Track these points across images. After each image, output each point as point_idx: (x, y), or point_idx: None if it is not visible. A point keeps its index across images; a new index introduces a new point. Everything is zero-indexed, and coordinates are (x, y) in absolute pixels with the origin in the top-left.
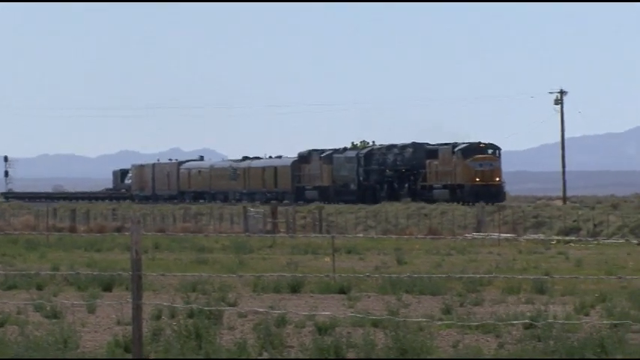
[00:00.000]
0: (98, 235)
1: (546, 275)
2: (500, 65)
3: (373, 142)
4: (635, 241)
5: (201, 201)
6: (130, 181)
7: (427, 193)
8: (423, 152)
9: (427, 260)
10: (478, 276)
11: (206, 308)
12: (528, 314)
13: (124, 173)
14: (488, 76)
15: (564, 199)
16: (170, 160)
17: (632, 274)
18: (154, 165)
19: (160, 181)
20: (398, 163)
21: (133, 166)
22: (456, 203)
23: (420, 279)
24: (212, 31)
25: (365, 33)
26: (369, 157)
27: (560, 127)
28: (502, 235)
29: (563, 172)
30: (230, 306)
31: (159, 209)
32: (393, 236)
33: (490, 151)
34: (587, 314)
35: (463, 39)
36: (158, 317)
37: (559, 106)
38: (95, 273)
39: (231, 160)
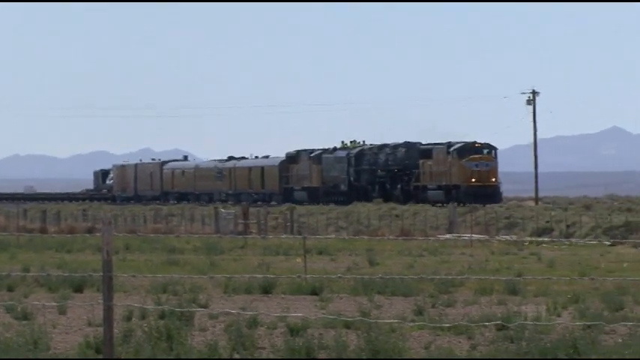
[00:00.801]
0: (69, 236)
1: (519, 276)
2: (474, 66)
3: (364, 141)
4: (608, 242)
5: (184, 202)
6: (111, 181)
7: (421, 194)
8: (416, 152)
9: (399, 261)
10: (450, 277)
11: (177, 309)
12: (501, 315)
13: (104, 174)
14: (463, 77)
15: (537, 199)
16: (153, 159)
17: (604, 275)
18: (136, 165)
19: (143, 181)
20: (390, 163)
21: (114, 166)
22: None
23: (392, 280)
24: (185, 33)
25: (327, 35)
26: (360, 157)
27: (532, 128)
28: (474, 236)
29: (536, 173)
30: (201, 307)
31: (130, 210)
32: (365, 237)
33: (486, 151)
34: (559, 315)
35: (439, 41)
36: (129, 318)
37: (531, 106)
38: (66, 274)
39: (216, 160)
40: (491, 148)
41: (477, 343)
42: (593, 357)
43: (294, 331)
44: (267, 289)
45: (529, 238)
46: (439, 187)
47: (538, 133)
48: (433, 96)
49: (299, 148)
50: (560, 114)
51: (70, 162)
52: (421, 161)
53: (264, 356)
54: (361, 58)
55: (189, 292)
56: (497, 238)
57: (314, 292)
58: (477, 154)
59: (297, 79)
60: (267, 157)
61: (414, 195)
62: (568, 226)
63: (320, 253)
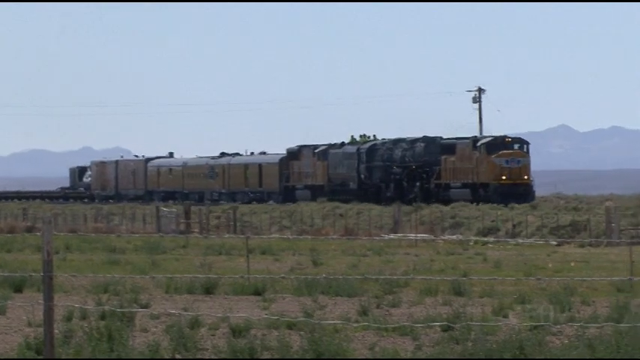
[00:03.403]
0: (9, 235)
1: (464, 276)
2: (420, 62)
3: (374, 135)
4: (555, 242)
5: (170, 201)
6: (89, 179)
7: (443, 193)
8: (436, 147)
9: (343, 261)
10: (395, 277)
11: (118, 310)
12: (446, 316)
13: (82, 171)
14: (409, 74)
15: None
16: (136, 156)
17: (551, 275)
18: (117, 162)
19: (125, 179)
20: (407, 159)
21: (93, 162)
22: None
23: (335, 280)
24: (128, 30)
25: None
26: (372, 152)
27: (478, 126)
28: (419, 235)
29: None
30: (142, 307)
31: (70, 209)
32: (309, 237)
33: (517, 146)
34: (505, 316)
35: (383, 36)
36: (70, 319)
37: (477, 104)
38: (5, 274)
39: (207, 157)
40: (522, 143)
41: (421, 344)
42: (540, 358)
43: (236, 331)
44: (209, 290)
45: (474, 238)
46: (464, 186)
47: (485, 131)
48: (349, 95)
49: (301, 144)
50: (507, 112)
51: (9, 160)
52: (443, 157)
53: (206, 357)
54: (306, 55)
55: (131, 292)
56: (442, 237)
57: (257, 293)
58: (508, 150)
59: (208, 79)
60: (264, 153)
61: (435, 193)
62: (514, 226)
63: (263, 252)
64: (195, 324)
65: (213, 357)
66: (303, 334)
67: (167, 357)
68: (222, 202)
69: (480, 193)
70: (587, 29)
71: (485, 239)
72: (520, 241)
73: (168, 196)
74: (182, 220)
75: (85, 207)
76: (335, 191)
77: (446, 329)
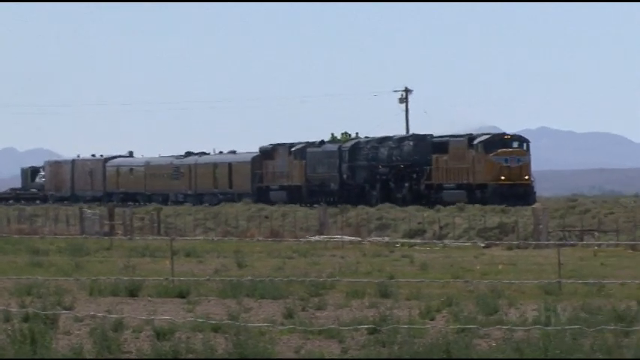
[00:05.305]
0: None
1: (391, 279)
2: (345, 63)
3: (357, 133)
4: (482, 244)
5: (130, 203)
6: (42, 180)
7: (434, 194)
8: (427, 145)
9: (268, 263)
10: (321, 279)
11: (41, 312)
12: (372, 319)
13: (34, 171)
14: (334, 74)
15: None
16: (93, 155)
17: (479, 277)
18: (73, 161)
19: (82, 180)
20: (394, 158)
21: (47, 162)
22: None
23: (261, 282)
24: (58, 27)
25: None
26: (355, 151)
27: (405, 127)
28: (345, 237)
29: None
30: (66, 310)
31: None
32: (234, 238)
33: (516, 144)
34: (432, 319)
35: (315, 37)
36: None
37: (404, 104)
38: None
39: (172, 157)
40: (522, 141)
41: (348, 347)
42: (467, 359)
43: (160, 334)
44: (133, 292)
45: (401, 240)
46: (459, 187)
47: (412, 132)
48: (309, 92)
49: (275, 142)
50: (436, 113)
51: None
52: (434, 156)
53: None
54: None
55: (54, 295)
56: (368, 239)
57: (181, 295)
58: (507, 148)
59: (132, 77)
60: (233, 152)
61: (426, 195)
62: (441, 228)
63: (188, 255)
64: (119, 326)
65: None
66: (228, 336)
67: (90, 359)
68: (188, 203)
69: (476, 195)
70: (512, 29)
71: (412, 241)
72: (447, 243)
73: (129, 198)
74: (106, 222)
75: (8, 208)
76: (314, 192)
77: (372, 332)
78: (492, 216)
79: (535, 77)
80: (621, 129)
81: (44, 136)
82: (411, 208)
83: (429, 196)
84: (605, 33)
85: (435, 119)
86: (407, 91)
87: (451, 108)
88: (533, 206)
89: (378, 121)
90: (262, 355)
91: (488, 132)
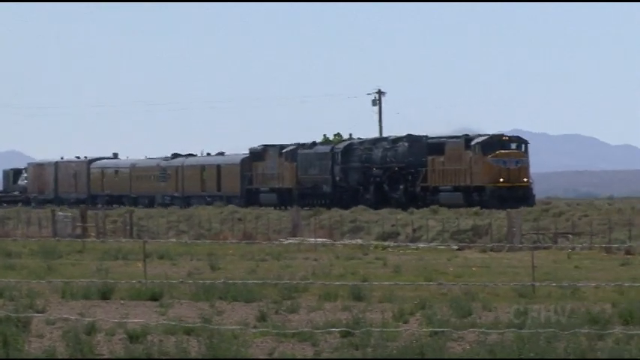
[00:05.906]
0: None
1: (364, 281)
2: (345, 63)
3: (350, 135)
4: (455, 247)
5: (115, 205)
6: (25, 182)
7: (430, 197)
8: (422, 147)
9: (241, 266)
10: (294, 282)
11: (13, 315)
12: (345, 322)
13: (16, 173)
14: (335, 74)
15: None
16: (77, 157)
17: (452, 280)
18: (56, 163)
19: (66, 182)
20: (389, 159)
21: (30, 164)
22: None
23: (234, 285)
24: (36, 27)
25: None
26: (348, 152)
27: (378, 129)
28: (318, 240)
29: None
30: (38, 313)
31: None
32: (207, 241)
33: (515, 146)
34: (406, 322)
35: (315, 37)
36: None
37: (377, 107)
38: None
39: (159, 158)
40: (521, 142)
41: (321, 349)
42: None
43: (133, 337)
44: (105, 295)
45: (375, 242)
46: (456, 189)
47: (385, 133)
48: (309, 92)
49: (266, 143)
50: (411, 115)
51: None
52: (430, 158)
53: None
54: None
55: (26, 298)
56: (341, 242)
57: (154, 298)
58: (505, 150)
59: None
60: (222, 153)
61: (422, 197)
62: (414, 230)
63: (161, 257)
64: (91, 329)
65: None
66: (201, 339)
67: None
68: (174, 206)
69: (473, 197)
70: (486, 30)
71: (386, 244)
72: (421, 245)
73: (114, 200)
74: (78, 224)
75: None
76: (305, 194)
77: (345, 335)
78: (466, 218)
79: (508, 79)
80: (595, 131)
81: (17, 137)
82: (385, 211)
83: (425, 199)
84: (578, 36)
85: (407, 121)
86: (380, 93)
87: (426, 110)
88: (507, 209)
89: (368, 122)
90: (235, 357)
91: (485, 133)
